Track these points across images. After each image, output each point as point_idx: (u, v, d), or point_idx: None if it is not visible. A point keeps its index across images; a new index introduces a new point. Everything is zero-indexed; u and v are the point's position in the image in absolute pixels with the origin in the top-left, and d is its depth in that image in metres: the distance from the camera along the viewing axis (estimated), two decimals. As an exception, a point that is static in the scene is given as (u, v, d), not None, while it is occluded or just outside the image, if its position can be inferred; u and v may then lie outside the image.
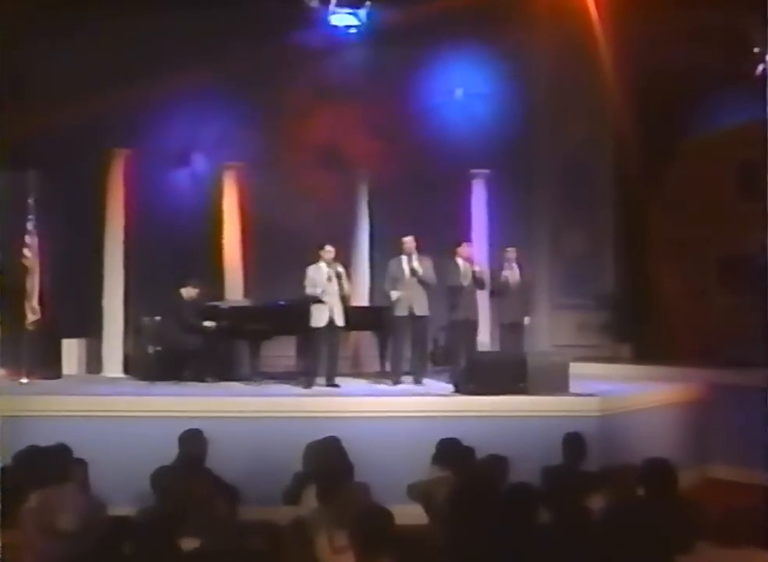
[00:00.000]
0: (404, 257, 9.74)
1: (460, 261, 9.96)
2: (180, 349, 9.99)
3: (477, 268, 9.99)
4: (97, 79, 10.42)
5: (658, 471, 5.08)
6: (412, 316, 9.67)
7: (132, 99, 10.34)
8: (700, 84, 11.17)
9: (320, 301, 9.40)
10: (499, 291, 10.30)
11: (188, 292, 10.17)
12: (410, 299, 9.65)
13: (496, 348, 10.74)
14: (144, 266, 11.08)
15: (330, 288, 9.47)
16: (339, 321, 9.54)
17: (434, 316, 9.93)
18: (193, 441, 6.16)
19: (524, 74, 12.00)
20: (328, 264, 9.54)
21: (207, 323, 9.97)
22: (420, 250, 9.78)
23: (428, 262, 9.78)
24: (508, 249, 10.46)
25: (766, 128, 8.66)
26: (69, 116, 10.00)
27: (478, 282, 10.02)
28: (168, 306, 10.17)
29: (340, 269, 9.61)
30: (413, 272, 9.67)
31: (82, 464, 5.78)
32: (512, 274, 10.35)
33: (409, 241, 9.74)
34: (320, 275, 9.48)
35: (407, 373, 9.94)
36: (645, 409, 8.98)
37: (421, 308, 9.70)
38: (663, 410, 9.23)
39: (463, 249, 10.05)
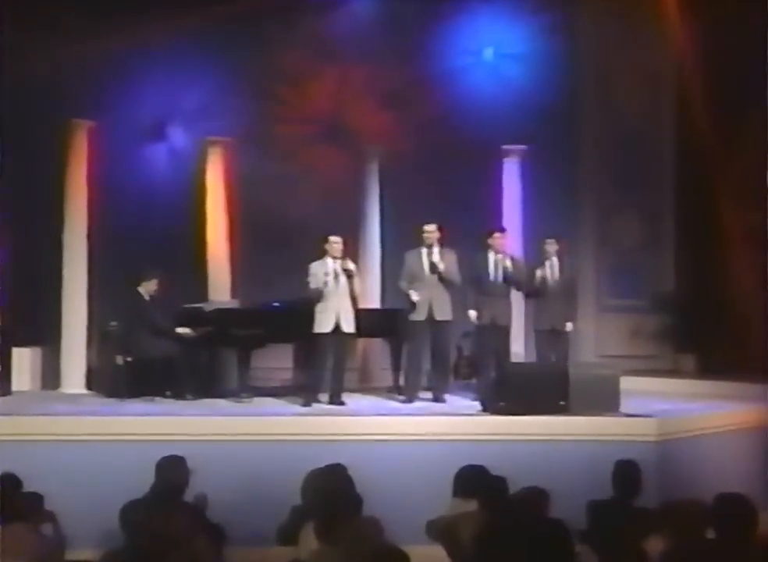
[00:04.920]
0: (424, 250, 9.73)
1: (490, 254, 9.93)
2: (155, 359, 10.00)
3: (509, 264, 9.94)
4: (54, 35, 10.42)
5: (733, 510, 5.02)
6: (431, 321, 9.65)
7: (97, 60, 10.35)
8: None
9: (321, 300, 9.40)
10: (534, 292, 10.27)
11: (146, 288, 10.15)
12: (429, 300, 9.63)
13: (532, 359, 10.72)
14: (111, 261, 11.10)
15: (336, 287, 9.46)
16: (348, 326, 9.54)
17: (457, 320, 9.92)
18: (171, 470, 6.14)
19: (567, 29, 11.97)
20: (335, 260, 9.53)
21: (181, 330, 9.97)
22: (443, 241, 9.78)
23: (452, 256, 9.78)
24: (547, 240, 10.42)
25: None
26: (22, 81, 10.02)
27: (510, 281, 9.98)
28: (129, 309, 10.18)
29: (351, 266, 9.60)
30: (433, 267, 9.66)
31: (36, 498, 5.77)
32: (551, 271, 10.34)
33: (431, 230, 9.73)
34: (326, 273, 9.48)
35: (426, 388, 9.95)
36: (712, 433, 8.94)
37: (443, 311, 9.68)
38: (735, 435, 9.17)
39: (495, 240, 9.99)
